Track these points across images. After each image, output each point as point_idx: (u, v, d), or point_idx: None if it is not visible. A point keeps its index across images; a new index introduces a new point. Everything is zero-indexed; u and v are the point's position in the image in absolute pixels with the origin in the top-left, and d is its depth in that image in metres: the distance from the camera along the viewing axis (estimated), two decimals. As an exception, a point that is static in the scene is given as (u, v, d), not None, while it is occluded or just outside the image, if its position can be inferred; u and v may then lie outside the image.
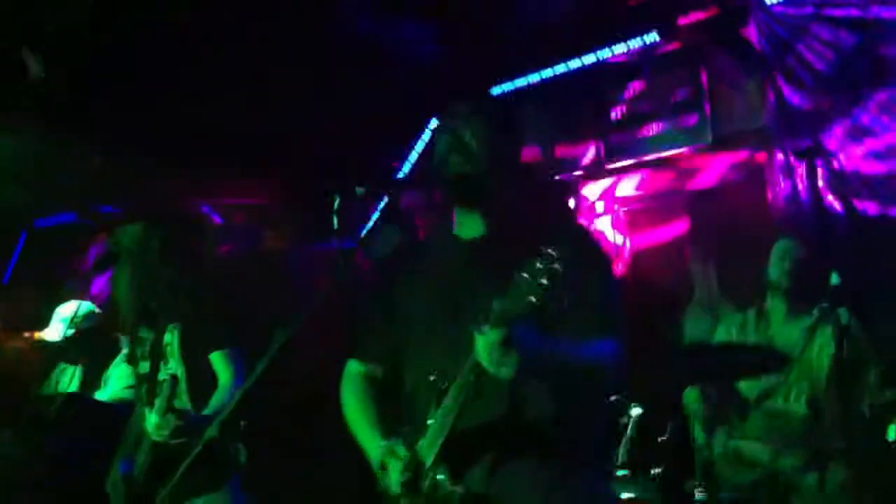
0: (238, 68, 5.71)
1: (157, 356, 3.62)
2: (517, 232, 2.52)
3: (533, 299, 2.15)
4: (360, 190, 2.46)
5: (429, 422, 2.45)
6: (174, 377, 3.37)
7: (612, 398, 4.19)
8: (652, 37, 5.59)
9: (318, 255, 6.44)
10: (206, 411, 3.40)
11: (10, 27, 5.12)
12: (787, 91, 5.56)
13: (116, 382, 4.55)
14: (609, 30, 5.75)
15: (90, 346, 4.72)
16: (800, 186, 5.45)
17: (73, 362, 4.75)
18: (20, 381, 5.36)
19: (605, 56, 5.79)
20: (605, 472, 2.71)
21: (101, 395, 4.56)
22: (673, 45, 5.90)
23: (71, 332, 4.69)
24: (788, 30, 5.55)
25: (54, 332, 4.71)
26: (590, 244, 2.68)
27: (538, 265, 2.15)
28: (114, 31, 5.23)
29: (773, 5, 5.54)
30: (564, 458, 2.47)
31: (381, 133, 6.78)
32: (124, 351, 4.55)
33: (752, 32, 5.63)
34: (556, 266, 2.13)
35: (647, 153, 6.26)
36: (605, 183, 6.50)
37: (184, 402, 3.51)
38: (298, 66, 5.98)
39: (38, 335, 4.80)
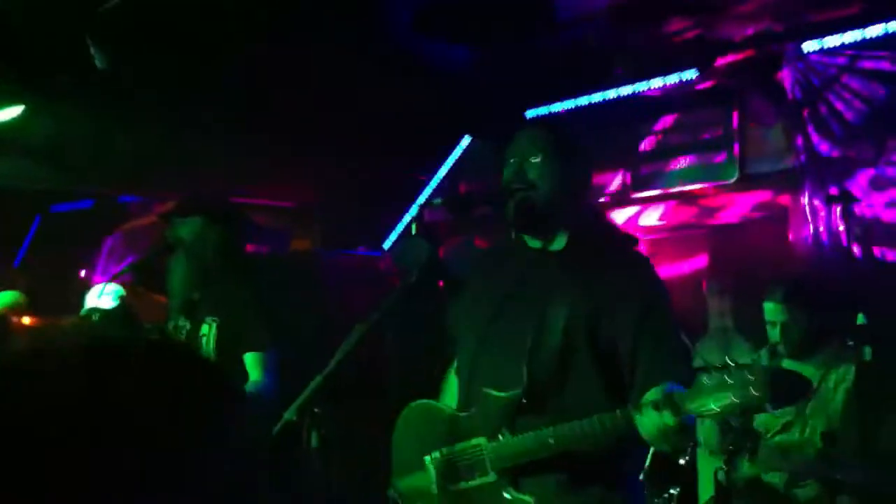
0: (286, 68, 5.77)
1: (192, 345, 3.68)
2: (591, 246, 2.63)
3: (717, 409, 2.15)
4: (437, 201, 2.57)
5: (502, 434, 2.49)
6: None
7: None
8: (690, 74, 5.74)
9: (344, 260, 6.51)
10: None
11: (67, 7, 5.10)
12: (815, 137, 5.72)
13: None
14: (647, 64, 5.90)
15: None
16: (821, 229, 5.60)
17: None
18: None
19: (642, 89, 5.93)
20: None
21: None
22: (708, 84, 6.06)
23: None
24: (821, 78, 5.72)
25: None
26: (655, 276, 2.74)
27: (731, 383, 2.13)
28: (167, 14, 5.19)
29: (808, 53, 5.71)
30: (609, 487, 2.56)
31: (412, 146, 6.87)
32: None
33: (786, 77, 5.80)
34: (753, 404, 2.13)
35: (673, 186, 6.43)
36: (630, 212, 6.65)
37: None
38: (341, 74, 6.07)
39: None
